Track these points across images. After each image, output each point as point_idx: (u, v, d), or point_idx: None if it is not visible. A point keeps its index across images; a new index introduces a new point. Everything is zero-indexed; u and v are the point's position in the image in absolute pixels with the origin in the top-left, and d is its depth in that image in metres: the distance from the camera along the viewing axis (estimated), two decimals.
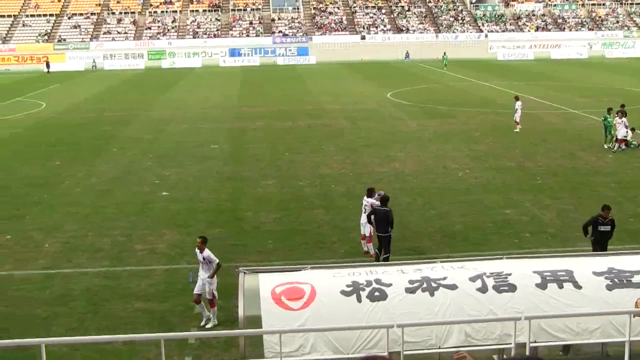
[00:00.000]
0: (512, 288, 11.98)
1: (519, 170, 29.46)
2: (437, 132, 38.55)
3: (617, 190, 25.78)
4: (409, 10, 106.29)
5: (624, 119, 32.68)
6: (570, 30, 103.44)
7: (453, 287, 11.99)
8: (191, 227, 22.36)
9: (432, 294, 11.89)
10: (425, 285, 12.01)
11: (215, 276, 15.71)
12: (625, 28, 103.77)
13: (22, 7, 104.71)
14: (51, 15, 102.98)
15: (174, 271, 18.72)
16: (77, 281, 18.14)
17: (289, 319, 11.54)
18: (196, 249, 16.00)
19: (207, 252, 15.86)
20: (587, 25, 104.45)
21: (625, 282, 12.08)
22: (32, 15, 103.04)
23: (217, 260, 15.77)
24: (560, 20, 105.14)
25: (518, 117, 37.86)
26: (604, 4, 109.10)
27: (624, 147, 32.57)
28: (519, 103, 37.99)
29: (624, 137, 32.72)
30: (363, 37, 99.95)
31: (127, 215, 23.85)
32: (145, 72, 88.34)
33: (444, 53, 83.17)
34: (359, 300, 11.76)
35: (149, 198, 26.02)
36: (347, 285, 11.96)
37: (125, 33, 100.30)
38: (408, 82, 66.48)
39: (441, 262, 13.26)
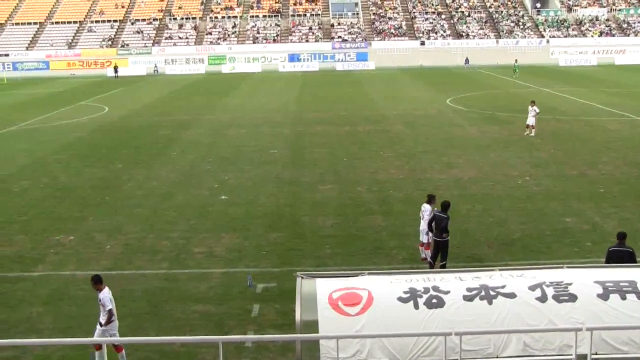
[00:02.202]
0: (573, 298, 11.75)
1: (581, 178, 28.95)
2: (496, 138, 38.14)
3: None
4: (469, 15, 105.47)
5: None
6: (636, 35, 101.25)
7: (512, 295, 11.81)
8: (249, 231, 22.54)
9: (490, 302, 11.73)
10: (483, 293, 11.86)
11: (113, 322, 13.59)
12: None
13: (87, 13, 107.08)
14: (115, 21, 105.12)
15: (232, 274, 18.87)
16: (137, 282, 18.44)
17: (346, 325, 11.51)
18: None
19: (103, 294, 13.63)
20: None
21: None
22: (96, 21, 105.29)
23: (111, 307, 13.52)
24: (625, 25, 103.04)
25: (533, 121, 38.23)
26: None
27: None
28: (535, 108, 38.25)
29: None
30: (422, 43, 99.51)
31: (186, 218, 24.15)
32: (206, 76, 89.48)
33: (515, 60, 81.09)
34: (416, 307, 11.68)
35: (208, 201, 26.31)
36: (405, 292, 11.89)
37: (187, 38, 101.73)
38: (467, 88, 65.94)
39: (500, 270, 13.08)
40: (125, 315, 16.34)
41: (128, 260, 20.14)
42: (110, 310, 13.42)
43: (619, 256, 15.37)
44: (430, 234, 18.57)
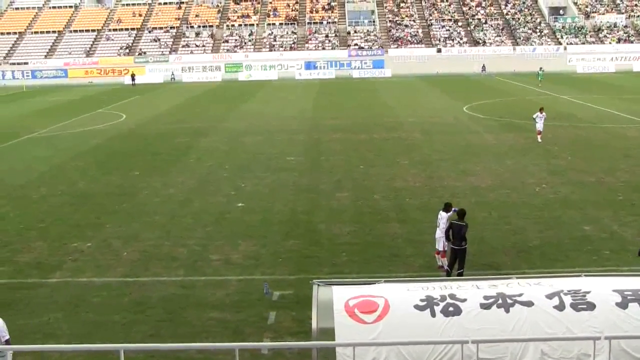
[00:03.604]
0: (591, 306, 11.68)
1: (599, 185, 28.78)
2: (513, 145, 38.00)
3: None
4: (485, 22, 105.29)
5: None
6: None
7: (529, 304, 11.76)
8: (266, 238, 22.56)
9: (507, 311, 11.69)
10: (500, 301, 11.82)
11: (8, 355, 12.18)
12: None
13: (105, 21, 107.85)
14: (132, 29, 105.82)
15: (248, 282, 18.88)
16: (153, 289, 18.48)
17: (362, 332, 11.51)
18: None
19: None
20: None
21: None
22: (114, 30, 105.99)
23: (8, 337, 12.32)
24: None
25: (540, 127, 38.24)
26: None
27: None
28: (542, 114, 38.22)
29: None
30: (439, 50, 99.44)
31: (203, 225, 24.21)
32: (222, 84, 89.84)
33: (540, 68, 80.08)
34: (433, 314, 11.66)
35: (225, 209, 26.37)
36: (421, 300, 11.88)
37: (203, 46, 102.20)
38: (484, 95, 65.79)
39: (517, 278, 13.04)
40: (142, 322, 16.41)
41: (145, 267, 20.20)
42: (7, 340, 12.23)
43: None
44: (447, 242, 18.51)
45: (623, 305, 11.66)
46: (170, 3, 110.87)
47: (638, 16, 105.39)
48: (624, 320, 11.47)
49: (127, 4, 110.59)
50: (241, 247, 21.72)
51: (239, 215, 25.53)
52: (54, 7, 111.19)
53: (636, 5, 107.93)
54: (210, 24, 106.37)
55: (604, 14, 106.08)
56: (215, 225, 24.20)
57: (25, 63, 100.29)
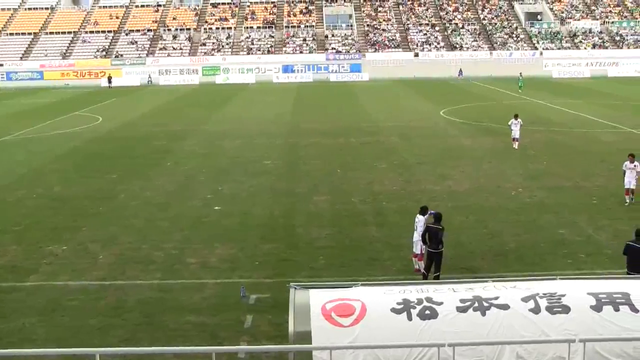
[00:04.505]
0: (566, 309, 11.79)
1: (575, 189, 29.04)
2: (491, 150, 38.25)
3: None
4: (462, 27, 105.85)
5: None
6: (628, 47, 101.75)
7: (505, 307, 11.85)
8: (244, 241, 22.53)
9: (483, 314, 11.77)
10: (476, 304, 11.89)
11: None
12: None
13: (81, 23, 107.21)
14: (109, 31, 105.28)
15: (225, 285, 18.85)
16: (130, 293, 18.39)
17: (339, 336, 11.53)
18: None
19: None
20: None
21: None
22: (90, 32, 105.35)
23: None
24: (617, 38, 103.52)
25: (516, 134, 37.94)
26: None
27: None
28: (517, 121, 38.00)
29: None
30: (416, 55, 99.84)
31: (180, 228, 24.14)
32: (200, 87, 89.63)
33: (520, 74, 78.55)
34: (410, 318, 11.70)
35: (202, 212, 26.30)
36: (398, 303, 11.92)
37: (181, 49, 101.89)
38: (461, 99, 66.14)
39: (493, 281, 13.12)
40: (118, 326, 16.33)
41: (121, 271, 20.11)
42: None
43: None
44: (424, 246, 18.58)
45: (597, 308, 11.78)
46: (147, 5, 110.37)
47: (612, 22, 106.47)
48: (598, 323, 11.59)
49: (104, 6, 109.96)
50: (218, 251, 21.68)
51: (216, 218, 25.48)
52: (29, 9, 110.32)
53: (610, 11, 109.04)
54: (188, 26, 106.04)
55: (579, 19, 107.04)
56: (192, 229, 24.13)
57: (1, 65, 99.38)
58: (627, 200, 26.07)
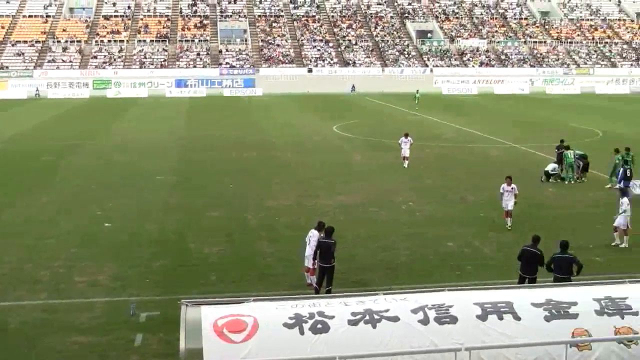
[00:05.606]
0: (454, 320, 12.09)
1: (463, 203, 29.85)
2: (382, 165, 38.89)
3: (555, 223, 26.28)
4: (355, 44, 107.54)
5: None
6: (513, 66, 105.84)
7: (395, 319, 12.04)
8: (134, 259, 22.08)
9: (374, 326, 11.92)
10: (367, 317, 12.03)
11: None
12: (565, 65, 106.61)
13: None
14: None
15: (115, 304, 18.39)
16: (13, 315, 17.69)
17: (231, 352, 11.44)
18: None
19: None
20: (528, 62, 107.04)
21: (562, 313, 12.30)
22: None
23: None
24: (503, 57, 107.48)
25: (406, 152, 37.94)
26: (544, 42, 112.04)
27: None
28: (407, 139, 38.02)
29: (553, 171, 34.09)
30: (310, 70, 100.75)
31: (68, 247, 23.43)
32: (90, 101, 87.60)
33: (417, 90, 78.21)
34: (302, 332, 11.73)
35: (91, 230, 25.64)
36: (290, 318, 11.93)
37: (71, 62, 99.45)
38: (354, 115, 67.09)
39: (384, 294, 13.31)
40: (0, 349, 15.67)
41: (4, 292, 19.31)
42: None
43: (565, 262, 16.95)
44: (316, 260, 18.65)
45: (483, 317, 12.13)
46: (35, 16, 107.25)
47: (498, 42, 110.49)
48: (484, 332, 11.95)
49: None
50: (108, 268, 21.15)
51: (106, 235, 24.89)
52: None
53: (496, 31, 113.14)
54: (79, 38, 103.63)
55: (467, 38, 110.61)
56: (81, 247, 23.47)
57: None
58: (509, 225, 25.34)
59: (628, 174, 30.77)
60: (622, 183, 30.20)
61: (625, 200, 23.66)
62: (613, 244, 23.34)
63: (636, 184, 30.57)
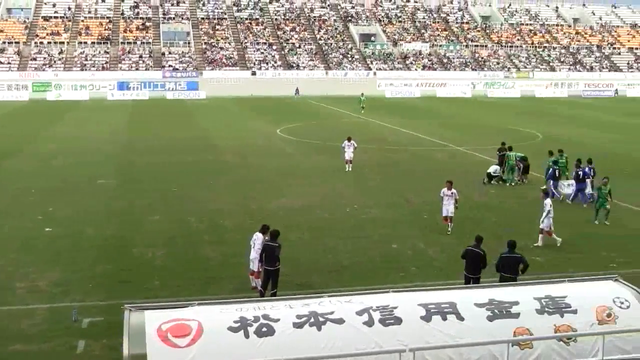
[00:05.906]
0: (398, 321, 12.18)
1: (407, 205, 30.11)
2: (326, 168, 38.98)
3: (497, 223, 26.72)
4: (299, 47, 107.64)
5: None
6: (455, 69, 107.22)
7: (340, 321, 12.08)
8: (76, 264, 21.74)
9: (319, 329, 11.94)
10: (312, 320, 12.05)
11: None
12: (506, 69, 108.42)
13: None
14: None
15: (57, 310, 18.08)
16: None
17: (176, 357, 11.33)
18: None
19: None
20: (470, 66, 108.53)
21: (504, 312, 12.51)
22: None
23: None
24: (445, 60, 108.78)
25: (352, 156, 37.90)
26: (486, 46, 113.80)
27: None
28: (351, 142, 38.04)
29: (495, 173, 34.73)
30: (254, 73, 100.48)
31: (7, 252, 22.95)
32: (30, 104, 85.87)
33: (362, 94, 78.63)
34: (247, 336, 11.69)
35: (31, 234, 25.16)
36: (235, 321, 11.88)
37: (9, 63, 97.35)
38: (298, 118, 67.11)
39: (329, 296, 13.35)
40: None
41: None
42: None
43: (513, 261, 17.67)
44: (261, 264, 18.63)
45: (427, 318, 12.27)
46: None
47: (440, 45, 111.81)
48: (428, 332, 12.07)
49: None
50: (49, 274, 20.79)
51: (47, 240, 24.46)
52: None
53: (439, 35, 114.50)
54: (17, 40, 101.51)
55: (410, 42, 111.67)
56: (20, 252, 23.01)
57: None
58: (449, 229, 25.34)
59: (557, 174, 31.68)
60: (551, 183, 31.03)
61: (548, 201, 24.20)
62: (535, 244, 23.87)
63: (564, 184, 31.55)
